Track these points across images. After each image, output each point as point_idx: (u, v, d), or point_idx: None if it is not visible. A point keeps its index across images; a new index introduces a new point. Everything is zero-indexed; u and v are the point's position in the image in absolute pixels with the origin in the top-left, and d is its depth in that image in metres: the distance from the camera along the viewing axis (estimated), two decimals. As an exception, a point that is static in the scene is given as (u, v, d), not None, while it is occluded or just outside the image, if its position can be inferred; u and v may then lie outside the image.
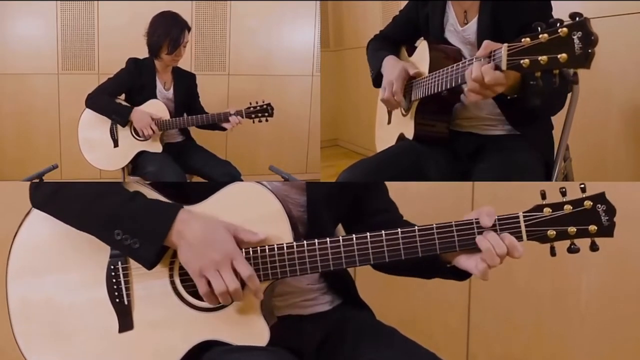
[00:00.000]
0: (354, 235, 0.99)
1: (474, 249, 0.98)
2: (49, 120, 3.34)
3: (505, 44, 1.06)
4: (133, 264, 1.04)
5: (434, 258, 1.03)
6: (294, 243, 1.00)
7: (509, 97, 1.23)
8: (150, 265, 0.99)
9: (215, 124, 2.32)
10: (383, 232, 0.99)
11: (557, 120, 1.56)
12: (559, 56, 0.96)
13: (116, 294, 1.04)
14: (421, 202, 1.95)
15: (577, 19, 0.94)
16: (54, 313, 1.04)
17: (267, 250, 1.00)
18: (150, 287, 1.04)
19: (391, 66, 1.60)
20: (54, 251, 1.05)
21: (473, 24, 1.48)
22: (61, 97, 3.33)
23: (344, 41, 4.35)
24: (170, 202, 1.03)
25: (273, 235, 1.01)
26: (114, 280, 1.04)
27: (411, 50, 1.71)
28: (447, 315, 2.01)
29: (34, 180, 2.24)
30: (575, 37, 0.93)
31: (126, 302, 1.04)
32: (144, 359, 1.03)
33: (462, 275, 1.05)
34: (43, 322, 1.04)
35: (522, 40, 1.01)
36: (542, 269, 1.94)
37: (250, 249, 1.00)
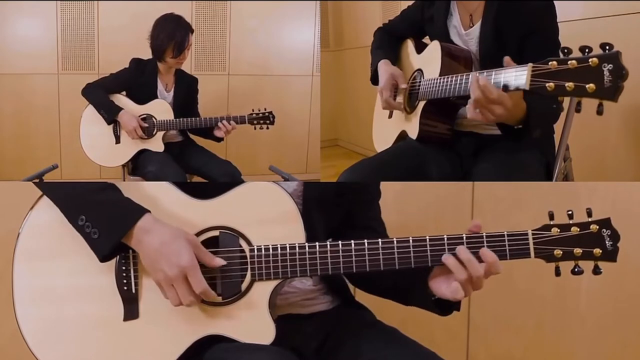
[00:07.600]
0: (365, 241, 1.01)
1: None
2: (49, 120, 3.34)
3: (530, 64, 1.03)
4: None
5: (418, 284, 1.05)
6: (306, 244, 1.01)
7: (515, 127, 1.26)
8: (102, 258, 0.99)
9: (208, 133, 2.34)
10: (395, 239, 1.01)
11: (557, 120, 1.55)
12: (586, 85, 0.94)
13: (124, 281, 1.03)
14: (421, 202, 1.95)
15: (607, 49, 0.92)
16: (58, 298, 1.03)
17: (278, 249, 1.01)
18: None
19: (382, 73, 1.64)
20: (62, 237, 1.04)
21: (476, 28, 1.48)
22: (61, 97, 3.33)
23: (344, 41, 4.35)
24: (139, 205, 1.01)
25: (286, 235, 1.02)
26: (124, 268, 1.03)
27: (419, 46, 1.70)
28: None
29: (34, 180, 2.24)
30: (605, 68, 0.91)
31: (134, 291, 1.03)
32: (147, 349, 1.02)
33: (444, 308, 1.06)
34: (46, 307, 1.03)
35: (549, 63, 0.99)
36: (542, 270, 1.92)
37: (262, 246, 1.01)
